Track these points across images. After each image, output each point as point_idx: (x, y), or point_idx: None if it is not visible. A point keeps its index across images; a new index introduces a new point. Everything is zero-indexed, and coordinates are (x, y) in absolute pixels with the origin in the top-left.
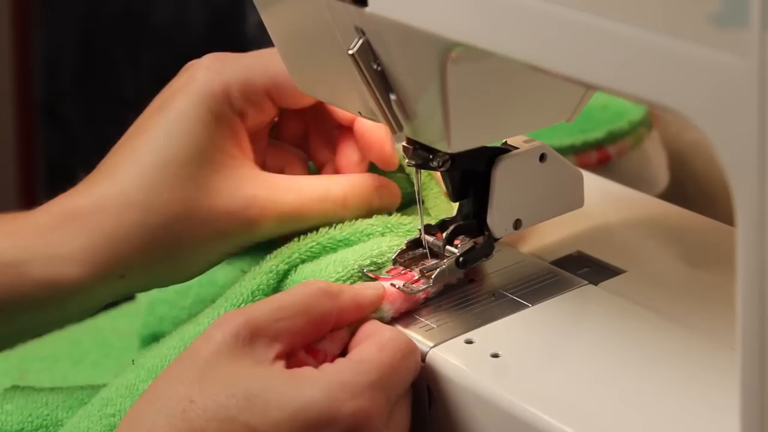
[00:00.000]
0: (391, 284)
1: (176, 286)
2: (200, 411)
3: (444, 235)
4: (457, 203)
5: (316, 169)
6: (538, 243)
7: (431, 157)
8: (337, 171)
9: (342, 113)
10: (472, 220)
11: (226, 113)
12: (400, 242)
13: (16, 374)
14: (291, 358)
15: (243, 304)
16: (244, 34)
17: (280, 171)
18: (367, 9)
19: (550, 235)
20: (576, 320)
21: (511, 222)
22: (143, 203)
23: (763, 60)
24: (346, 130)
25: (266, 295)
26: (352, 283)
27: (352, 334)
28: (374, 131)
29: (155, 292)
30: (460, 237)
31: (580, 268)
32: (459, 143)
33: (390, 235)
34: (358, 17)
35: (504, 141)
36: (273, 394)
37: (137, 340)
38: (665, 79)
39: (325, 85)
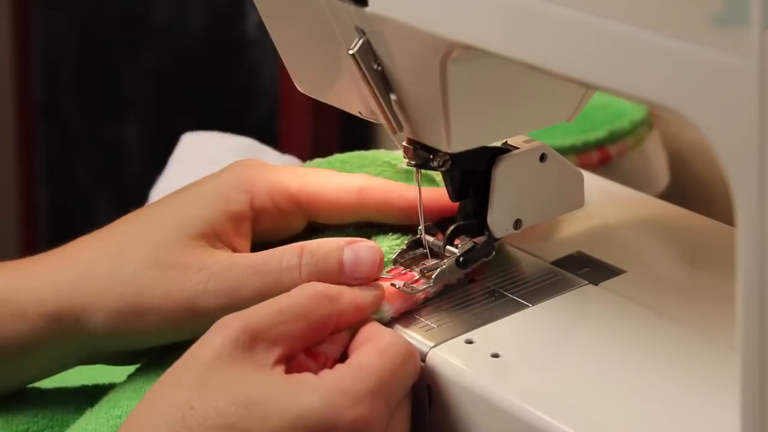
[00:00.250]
0: (392, 284)
1: None
2: (200, 418)
3: (444, 235)
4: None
5: None
6: (539, 243)
7: (431, 157)
8: None
9: None
10: (473, 220)
11: (242, 207)
12: (400, 242)
13: None
14: (291, 362)
15: None
16: (244, 34)
17: None
18: (368, 9)
19: (551, 235)
20: (576, 320)
21: (511, 222)
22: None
23: (763, 60)
24: None
25: None
26: None
27: (352, 336)
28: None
29: None
30: (461, 237)
31: (580, 268)
32: (459, 143)
33: (391, 235)
34: (359, 17)
35: (504, 141)
36: (273, 402)
37: None
38: (665, 79)
39: (325, 85)
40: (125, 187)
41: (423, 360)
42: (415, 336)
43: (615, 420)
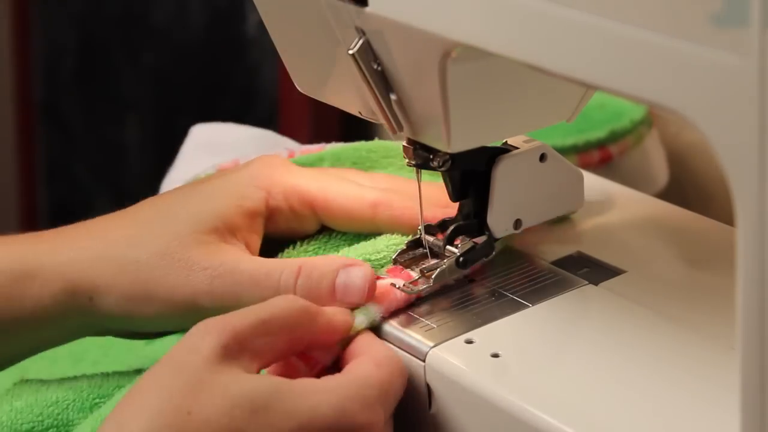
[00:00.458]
0: (392, 284)
1: None
2: (201, 423)
3: (444, 235)
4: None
5: None
6: (539, 243)
7: (431, 157)
8: None
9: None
10: (473, 220)
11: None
12: (400, 242)
13: (16, 374)
14: (282, 363)
15: None
16: (244, 34)
17: None
18: (368, 9)
19: (551, 235)
20: (576, 320)
21: (511, 222)
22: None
23: (763, 60)
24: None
25: None
26: None
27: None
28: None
29: None
30: (461, 237)
31: (580, 268)
32: (459, 143)
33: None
34: (358, 17)
35: (504, 141)
36: (281, 405)
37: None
38: (665, 79)
39: (325, 85)
40: (125, 187)
41: (423, 360)
42: (415, 336)
43: (615, 420)
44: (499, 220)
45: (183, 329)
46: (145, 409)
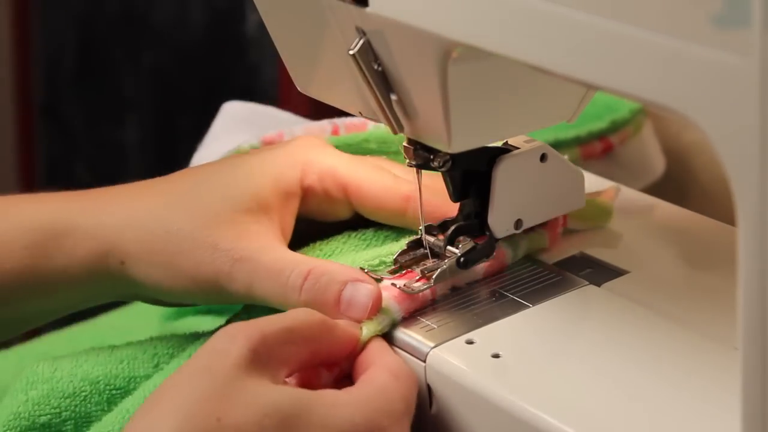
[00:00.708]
0: (392, 284)
1: None
2: (231, 430)
3: (445, 235)
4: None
5: None
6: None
7: (432, 157)
8: None
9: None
10: (473, 221)
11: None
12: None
13: (16, 372)
14: (305, 370)
15: None
16: (244, 34)
17: None
18: (368, 9)
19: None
20: (577, 320)
21: (512, 222)
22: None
23: (764, 60)
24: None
25: None
26: None
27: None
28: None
29: None
30: (461, 237)
31: (583, 269)
32: (459, 143)
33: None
34: (359, 17)
35: (504, 141)
36: (310, 417)
37: (136, 338)
38: (666, 79)
39: (326, 85)
40: None
41: (424, 360)
42: (415, 336)
43: (615, 420)
44: (499, 221)
45: (208, 305)
46: (175, 412)
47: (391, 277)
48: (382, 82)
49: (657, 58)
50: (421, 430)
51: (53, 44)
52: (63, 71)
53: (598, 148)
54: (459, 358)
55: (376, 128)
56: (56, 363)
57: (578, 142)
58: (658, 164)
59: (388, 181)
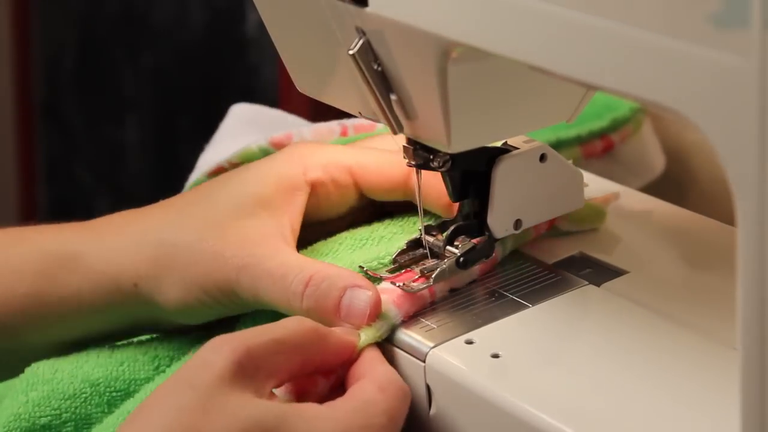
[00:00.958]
0: (392, 283)
1: None
2: None
3: (444, 235)
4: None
5: None
6: (541, 244)
7: (431, 157)
8: None
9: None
10: (473, 221)
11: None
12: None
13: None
14: (301, 377)
15: None
16: (244, 34)
17: None
18: (368, 9)
19: (553, 235)
20: (576, 320)
21: (511, 222)
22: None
23: (763, 60)
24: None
25: None
26: None
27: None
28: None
29: None
30: (461, 237)
31: (582, 269)
32: (459, 143)
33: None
34: (359, 17)
35: (504, 141)
36: (290, 431)
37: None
38: (666, 80)
39: (325, 85)
40: (125, 187)
41: (423, 360)
42: (415, 336)
43: (615, 420)
44: (499, 221)
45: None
46: (156, 425)
47: (391, 276)
48: (382, 82)
49: (656, 58)
50: (421, 431)
51: (53, 44)
52: (63, 71)
53: (599, 147)
54: (458, 358)
55: (385, 128)
56: (56, 364)
57: (579, 141)
58: (658, 162)
59: (387, 156)
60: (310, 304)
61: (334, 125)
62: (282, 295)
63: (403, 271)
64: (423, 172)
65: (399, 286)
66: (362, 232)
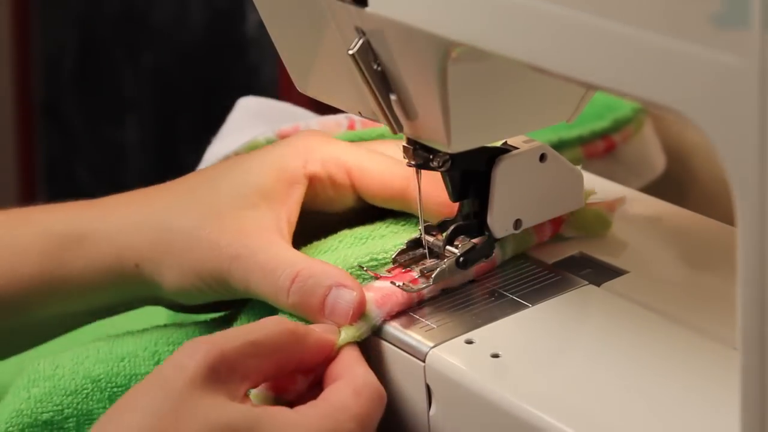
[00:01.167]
0: (391, 282)
1: None
2: None
3: (444, 235)
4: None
5: None
6: (541, 244)
7: (431, 157)
8: None
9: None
10: (473, 220)
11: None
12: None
13: (16, 372)
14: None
15: None
16: (244, 34)
17: None
18: (368, 9)
19: (554, 239)
20: (576, 320)
21: (511, 222)
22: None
23: (763, 60)
24: None
25: None
26: None
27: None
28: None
29: None
30: (461, 237)
31: (582, 269)
32: (459, 143)
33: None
34: (359, 17)
35: (504, 141)
36: None
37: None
38: (666, 79)
39: (325, 86)
40: (125, 187)
41: (423, 360)
42: (415, 336)
43: (615, 420)
44: (499, 220)
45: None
46: (127, 428)
47: (390, 276)
48: (382, 82)
49: (657, 58)
50: (421, 431)
51: (53, 44)
52: (63, 71)
53: (601, 147)
54: (458, 358)
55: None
56: (57, 360)
57: (581, 141)
58: (658, 162)
59: (389, 164)
60: (296, 300)
61: (341, 118)
62: (270, 288)
63: (403, 270)
64: (423, 177)
65: (399, 286)
66: (363, 230)
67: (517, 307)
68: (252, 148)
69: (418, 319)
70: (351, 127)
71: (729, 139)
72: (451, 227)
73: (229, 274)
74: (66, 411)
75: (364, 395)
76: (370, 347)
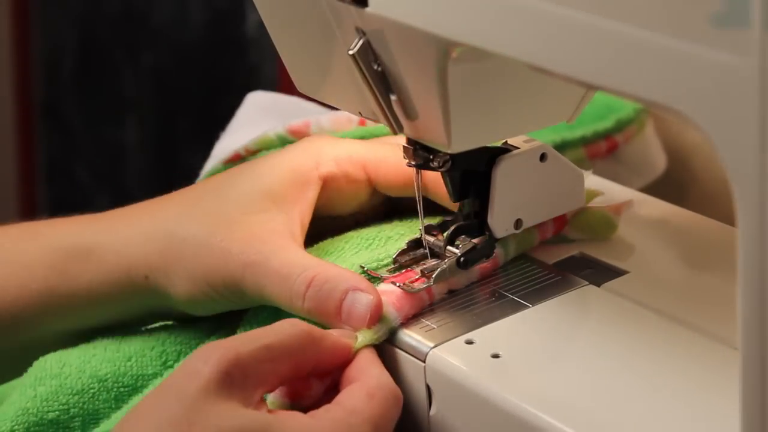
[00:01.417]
0: (392, 282)
1: None
2: None
3: (445, 235)
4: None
5: None
6: (542, 244)
7: (431, 157)
8: None
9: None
10: (473, 220)
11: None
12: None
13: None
14: (296, 380)
15: None
16: (244, 34)
17: None
18: (368, 9)
19: (558, 242)
20: (576, 320)
21: (511, 222)
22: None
23: (763, 60)
24: None
25: None
26: None
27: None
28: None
29: None
30: (461, 237)
31: (583, 269)
32: (459, 143)
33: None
34: (359, 17)
35: (504, 141)
36: None
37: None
38: (666, 79)
39: (325, 86)
40: (125, 187)
41: (423, 360)
42: (415, 336)
43: (615, 420)
44: (499, 220)
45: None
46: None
47: (391, 276)
48: (382, 82)
49: (657, 58)
50: (421, 430)
51: (53, 44)
52: (63, 71)
53: (604, 148)
54: (459, 358)
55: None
56: (63, 358)
57: (584, 142)
58: (660, 161)
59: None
60: (312, 306)
61: (353, 116)
62: (285, 294)
63: (404, 270)
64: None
65: (399, 286)
66: (369, 231)
67: (518, 307)
68: (262, 142)
69: (418, 319)
70: (362, 123)
71: (729, 138)
72: (452, 227)
73: (243, 282)
74: (72, 410)
75: (377, 397)
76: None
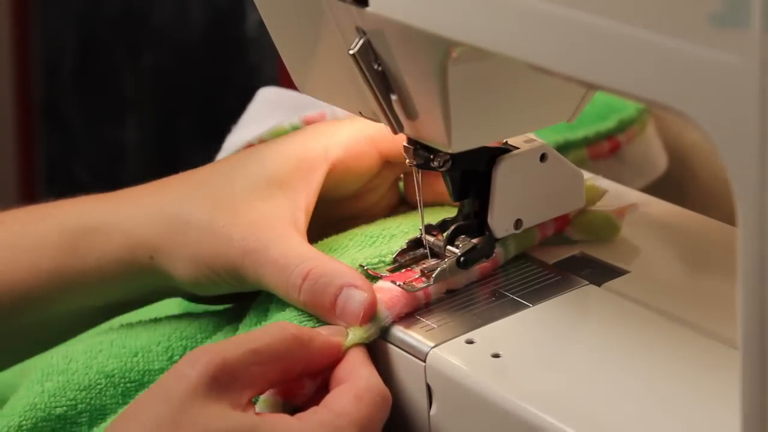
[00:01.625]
0: (392, 282)
1: None
2: None
3: (445, 235)
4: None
5: None
6: (542, 243)
7: (432, 157)
8: None
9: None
10: (473, 220)
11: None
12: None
13: (17, 369)
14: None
15: None
16: (244, 34)
17: None
18: (368, 9)
19: (559, 243)
20: (576, 320)
21: (511, 222)
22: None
23: (763, 60)
24: None
25: None
26: None
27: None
28: None
29: None
30: (461, 237)
31: (583, 268)
32: (459, 143)
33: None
34: (359, 17)
35: (504, 141)
36: None
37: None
38: (666, 79)
39: (326, 85)
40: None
41: (423, 360)
42: (415, 336)
43: (615, 420)
44: (499, 220)
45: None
46: None
47: (391, 275)
48: (382, 82)
49: (656, 57)
50: (421, 431)
51: (53, 44)
52: (63, 71)
53: (606, 148)
54: (459, 358)
55: None
56: (70, 354)
57: (587, 142)
58: (661, 161)
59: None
60: (307, 299)
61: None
62: (282, 284)
63: (404, 270)
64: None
65: (399, 286)
66: (373, 229)
67: (518, 307)
68: (276, 133)
69: (418, 319)
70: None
71: (729, 138)
72: (452, 227)
73: (242, 268)
74: (79, 406)
75: (365, 399)
76: (371, 347)
